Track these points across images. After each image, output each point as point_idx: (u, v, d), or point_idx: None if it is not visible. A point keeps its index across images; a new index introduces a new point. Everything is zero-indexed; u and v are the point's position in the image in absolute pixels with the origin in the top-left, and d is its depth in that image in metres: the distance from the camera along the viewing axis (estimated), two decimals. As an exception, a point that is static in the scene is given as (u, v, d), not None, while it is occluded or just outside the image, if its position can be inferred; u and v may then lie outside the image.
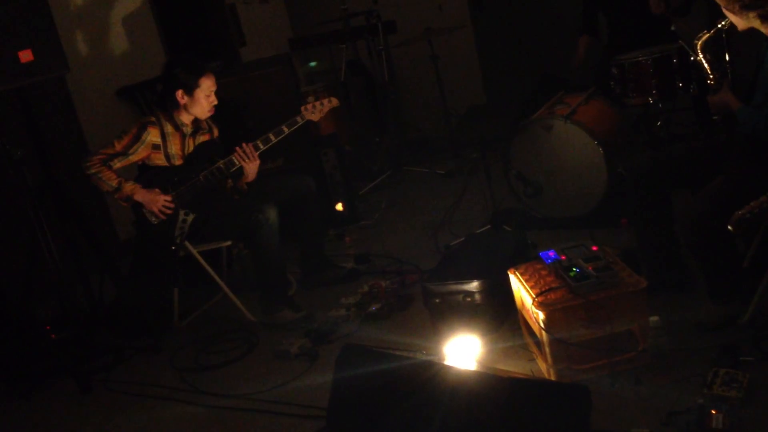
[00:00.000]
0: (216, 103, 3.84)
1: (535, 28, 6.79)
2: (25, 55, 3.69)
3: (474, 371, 2.74)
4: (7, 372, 3.82)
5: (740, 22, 2.91)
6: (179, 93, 3.76)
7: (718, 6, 2.94)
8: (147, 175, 3.86)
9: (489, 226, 4.40)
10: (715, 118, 3.17)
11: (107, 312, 4.17)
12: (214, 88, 3.82)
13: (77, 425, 3.41)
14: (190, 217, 3.86)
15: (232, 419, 3.17)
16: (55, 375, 3.79)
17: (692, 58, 4.05)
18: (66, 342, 3.91)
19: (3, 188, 4.64)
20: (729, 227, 2.58)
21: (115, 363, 3.88)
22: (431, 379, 2.42)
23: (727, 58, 4.15)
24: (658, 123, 4.74)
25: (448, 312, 3.30)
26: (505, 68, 6.98)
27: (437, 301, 3.32)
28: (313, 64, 6.44)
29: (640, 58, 4.41)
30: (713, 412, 2.43)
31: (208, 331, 4.01)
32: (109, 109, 5.48)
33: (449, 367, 2.52)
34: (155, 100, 5.00)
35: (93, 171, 3.73)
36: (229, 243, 4.07)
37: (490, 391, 2.33)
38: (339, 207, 5.15)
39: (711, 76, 3.14)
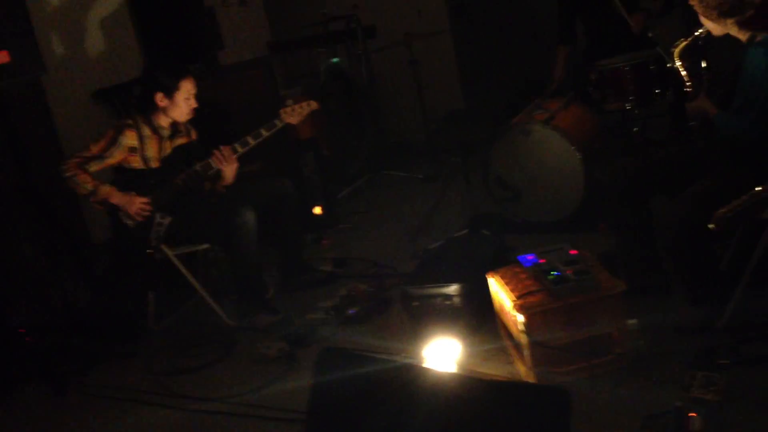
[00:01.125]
0: (196, 106, 3.82)
1: (514, 35, 6.81)
2: (1, 57, 3.65)
3: (453, 374, 2.74)
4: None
5: (717, 29, 2.95)
6: (159, 96, 3.73)
7: (695, 13, 2.97)
8: (123, 178, 3.82)
9: (467, 230, 4.40)
10: (692, 124, 3.20)
11: (82, 315, 4.13)
12: (194, 92, 3.79)
13: (52, 429, 3.36)
14: (167, 220, 3.82)
15: (210, 423, 3.14)
16: (30, 379, 3.74)
17: (669, 65, 4.08)
18: (40, 345, 3.86)
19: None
20: (711, 225, 2.61)
21: (90, 366, 3.83)
22: (411, 382, 2.40)
23: (704, 64, 4.20)
24: (635, 129, 4.78)
25: (427, 315, 3.31)
26: (483, 74, 6.99)
27: (416, 304, 3.32)
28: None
29: (619, 65, 4.44)
30: (691, 414, 2.44)
31: (184, 334, 3.98)
32: (86, 111, 5.41)
33: (429, 370, 2.51)
34: (133, 103, 4.96)
35: (69, 174, 3.69)
36: (206, 246, 4.04)
37: (470, 394, 2.32)
38: (317, 210, 5.13)
39: (688, 83, 3.17)
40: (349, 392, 2.49)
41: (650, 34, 4.69)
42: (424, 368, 2.60)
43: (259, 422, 3.04)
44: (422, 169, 6.01)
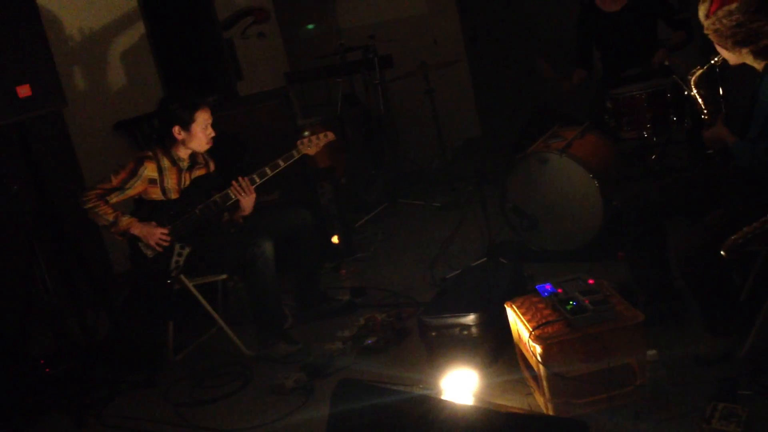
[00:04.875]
0: (214, 135, 3.86)
1: (530, 61, 6.84)
2: (23, 90, 3.70)
3: (471, 406, 2.72)
4: (1, 406, 3.78)
5: (732, 58, 2.95)
6: (176, 129, 3.78)
7: (711, 41, 2.98)
8: (143, 209, 3.86)
9: (485, 259, 4.40)
10: (710, 152, 3.19)
11: (102, 346, 4.15)
12: (210, 121, 3.83)
13: (70, 461, 3.38)
14: (186, 251, 3.85)
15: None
16: (49, 410, 3.76)
17: (686, 93, 4.08)
18: (60, 376, 3.88)
19: (2, 221, 4.63)
20: (722, 252, 2.59)
21: (109, 398, 3.84)
22: (428, 414, 2.39)
23: (721, 92, 4.20)
24: (653, 156, 4.77)
25: (445, 345, 3.30)
26: (500, 101, 7.03)
27: (433, 334, 3.31)
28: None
29: (635, 93, 4.45)
30: (712, 447, 2.42)
31: (203, 365, 3.98)
32: (106, 142, 5.48)
33: (446, 402, 2.50)
34: (152, 136, 5.02)
35: (90, 206, 3.73)
36: (224, 276, 4.06)
37: (488, 427, 2.31)
38: (335, 240, 5.14)
39: (705, 111, 3.17)
40: (365, 424, 2.49)
41: (666, 62, 4.69)
42: (440, 400, 2.59)
43: (276, 454, 3.04)
44: (439, 197, 6.02)
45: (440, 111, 6.15)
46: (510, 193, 4.44)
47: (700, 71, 3.13)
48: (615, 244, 4.06)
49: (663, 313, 3.32)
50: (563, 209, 4.35)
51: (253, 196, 3.93)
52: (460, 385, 2.99)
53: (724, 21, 2.83)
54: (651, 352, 2.84)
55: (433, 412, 2.41)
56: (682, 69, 3.96)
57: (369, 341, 3.71)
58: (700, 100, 3.16)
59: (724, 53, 2.96)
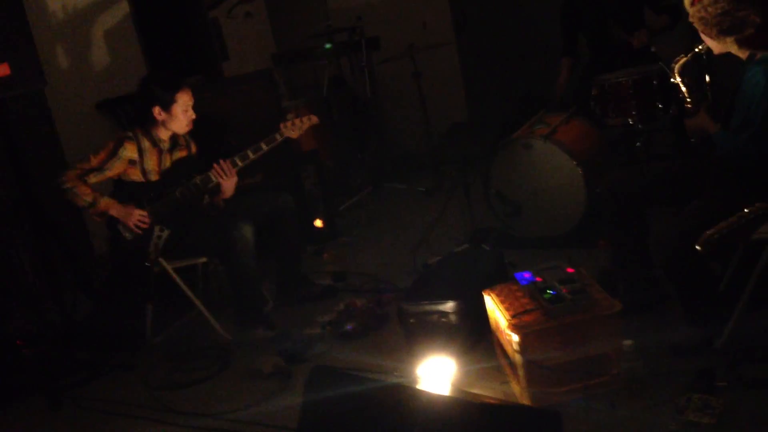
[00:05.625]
0: (194, 117, 3.81)
1: (519, 47, 6.80)
2: (2, 69, 3.65)
3: (445, 396, 2.71)
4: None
5: (717, 47, 2.92)
6: (156, 109, 3.73)
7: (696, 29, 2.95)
8: (123, 190, 3.82)
9: (468, 245, 4.38)
10: (692, 141, 3.17)
11: (81, 327, 4.12)
12: (191, 103, 3.79)
13: (45, 443, 3.36)
14: (165, 233, 3.81)
15: (203, 440, 3.13)
16: (25, 391, 3.73)
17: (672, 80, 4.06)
18: (37, 357, 3.86)
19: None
20: (697, 247, 2.58)
21: (87, 380, 3.82)
22: (402, 403, 2.38)
23: (708, 80, 4.17)
24: (638, 144, 4.75)
25: (423, 332, 3.28)
26: (488, 86, 6.98)
27: (412, 321, 3.30)
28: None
29: (621, 80, 4.41)
30: (685, 438, 2.42)
31: (181, 348, 3.96)
32: (89, 122, 5.43)
33: (419, 391, 2.49)
34: (133, 116, 4.97)
35: (68, 186, 3.68)
36: (204, 260, 4.03)
37: (461, 416, 2.29)
38: (318, 223, 5.12)
39: (689, 100, 3.14)
40: (339, 412, 2.47)
41: (653, 49, 4.66)
42: (413, 389, 2.58)
43: (252, 439, 3.02)
44: (424, 181, 5.99)
45: (427, 95, 6.10)
46: (493, 179, 4.42)
47: (684, 59, 3.10)
48: (597, 232, 4.05)
49: (642, 302, 3.31)
50: (547, 196, 4.33)
51: (235, 179, 3.89)
52: (437, 372, 2.98)
53: (710, 9, 2.80)
54: (627, 342, 2.84)
55: (408, 402, 2.39)
56: (669, 56, 3.93)
57: (348, 327, 3.70)
58: (683, 89, 3.14)
59: (709, 42, 2.93)
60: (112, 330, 4.06)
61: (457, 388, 2.97)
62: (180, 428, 3.24)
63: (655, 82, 4.37)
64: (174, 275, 3.88)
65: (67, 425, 3.47)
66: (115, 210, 3.74)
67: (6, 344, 3.85)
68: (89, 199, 3.70)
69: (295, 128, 3.98)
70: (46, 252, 4.01)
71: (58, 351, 3.95)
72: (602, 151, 4.63)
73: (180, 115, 3.75)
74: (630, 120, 4.48)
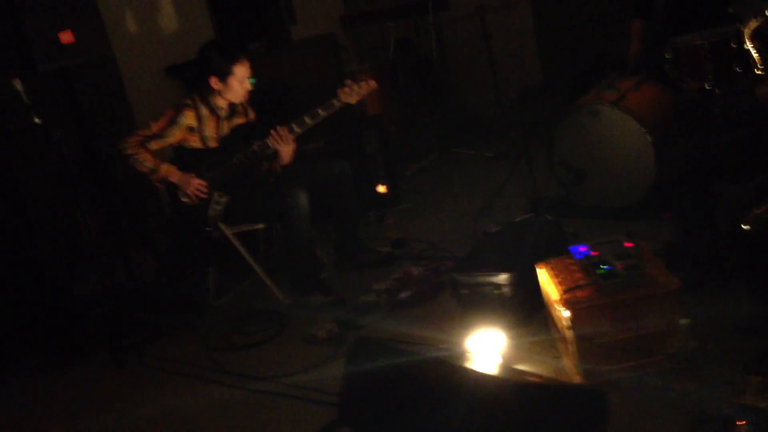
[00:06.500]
0: (251, 88, 3.82)
1: (597, 4, 6.54)
2: (66, 37, 3.73)
3: (485, 374, 2.66)
4: (45, 345, 3.91)
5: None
6: (213, 79, 3.75)
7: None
8: (183, 156, 3.87)
9: (530, 214, 4.29)
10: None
11: (146, 289, 4.23)
12: (248, 75, 3.79)
13: (110, 399, 3.47)
14: (225, 199, 3.86)
15: (255, 402, 3.18)
16: (93, 349, 3.87)
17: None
18: (103, 317, 3.99)
19: (46, 167, 4.72)
20: (744, 226, 2.45)
21: (150, 339, 3.94)
22: (444, 378, 2.36)
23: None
24: (716, 109, 4.53)
25: (476, 303, 3.24)
26: (564, 47, 6.74)
27: (465, 291, 3.26)
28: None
29: (697, 42, 4.20)
30: (740, 423, 2.31)
31: (241, 311, 4.03)
32: (159, 87, 5.51)
33: (462, 368, 2.46)
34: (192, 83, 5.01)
35: (130, 152, 3.75)
36: (262, 226, 4.07)
37: (502, 395, 2.26)
38: (381, 189, 5.09)
39: (761, 67, 2.96)
40: (380, 384, 2.47)
41: (731, 10, 4.40)
42: (456, 365, 2.55)
43: (301, 404, 3.05)
44: (492, 147, 5.88)
45: (498, 57, 5.96)
46: (557, 146, 4.29)
47: (756, 24, 2.92)
48: (662, 203, 3.90)
49: (706, 278, 3.18)
50: (614, 164, 4.18)
51: (292, 145, 3.89)
52: (486, 346, 2.94)
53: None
54: (684, 321, 2.73)
55: (450, 378, 2.37)
56: (747, 18, 3.71)
57: (403, 295, 3.68)
58: (755, 55, 2.96)
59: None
60: (176, 292, 4.14)
61: (505, 362, 2.92)
62: (236, 389, 3.31)
63: (733, 45, 4.15)
64: (234, 240, 3.93)
65: (130, 383, 3.58)
66: (176, 177, 3.80)
67: (74, 304, 3.97)
68: (150, 165, 3.76)
69: (353, 94, 3.92)
70: (113, 214, 4.11)
71: (124, 311, 4.07)
72: (676, 118, 4.44)
73: (236, 86, 3.77)
74: (707, 84, 4.27)
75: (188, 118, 3.79)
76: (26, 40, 3.77)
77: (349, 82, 3.92)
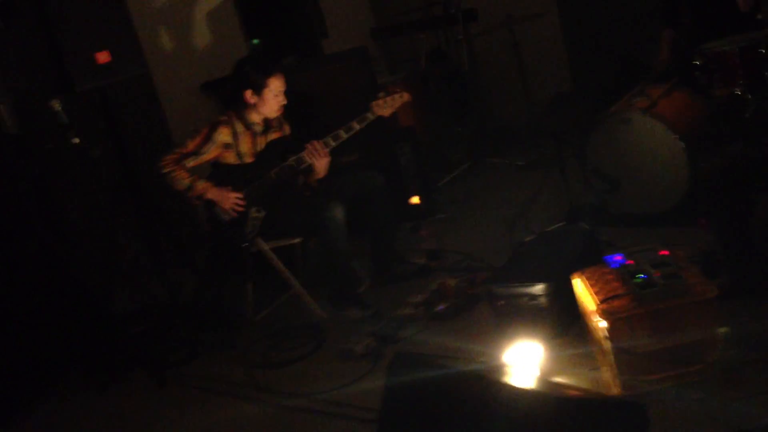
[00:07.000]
0: (285, 102, 3.87)
1: (626, 10, 6.52)
2: (103, 56, 3.81)
3: (524, 388, 2.66)
4: (84, 364, 3.97)
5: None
6: (248, 93, 3.80)
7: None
8: (219, 173, 3.93)
9: (564, 223, 4.28)
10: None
11: (185, 305, 4.29)
12: (283, 88, 3.84)
13: (150, 419, 3.52)
14: (261, 214, 3.90)
15: (294, 419, 3.21)
16: (131, 368, 3.92)
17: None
18: (142, 335, 4.04)
19: (84, 186, 4.81)
20: None
21: (189, 357, 3.98)
22: (482, 393, 2.37)
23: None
24: (747, 115, 4.49)
25: (513, 315, 3.25)
26: (594, 53, 6.73)
27: (501, 303, 3.27)
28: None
29: (726, 48, 4.18)
30: (782, 433, 2.30)
31: (279, 326, 4.07)
32: (195, 104, 5.59)
33: (500, 383, 2.47)
34: (226, 99, 5.08)
35: (166, 170, 3.80)
36: (299, 240, 4.11)
37: (541, 410, 2.27)
38: (415, 200, 5.11)
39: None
40: (420, 399, 2.49)
41: (759, 16, 4.37)
42: (494, 380, 2.56)
43: (339, 421, 3.08)
44: (524, 155, 5.88)
45: (527, 66, 5.96)
46: (590, 155, 4.29)
47: (789, 29, 2.90)
48: (697, 210, 3.87)
49: (744, 286, 3.15)
50: (647, 172, 4.16)
51: (327, 159, 3.93)
52: (524, 359, 2.94)
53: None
54: (723, 329, 2.71)
55: (489, 392, 2.38)
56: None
57: (439, 307, 3.69)
58: (787, 60, 2.94)
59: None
60: (215, 308, 4.19)
61: (544, 375, 2.92)
62: (274, 407, 3.34)
63: (762, 50, 4.12)
64: (271, 255, 3.97)
65: (170, 402, 3.62)
66: (212, 193, 3.85)
67: (113, 322, 4.04)
68: (187, 182, 3.82)
69: (386, 106, 3.96)
70: (151, 231, 4.17)
71: (163, 330, 4.12)
72: (707, 124, 4.41)
73: (271, 100, 3.82)
74: (737, 90, 4.24)
75: (224, 135, 3.84)
76: (63, 61, 3.87)
77: (382, 94, 3.95)
